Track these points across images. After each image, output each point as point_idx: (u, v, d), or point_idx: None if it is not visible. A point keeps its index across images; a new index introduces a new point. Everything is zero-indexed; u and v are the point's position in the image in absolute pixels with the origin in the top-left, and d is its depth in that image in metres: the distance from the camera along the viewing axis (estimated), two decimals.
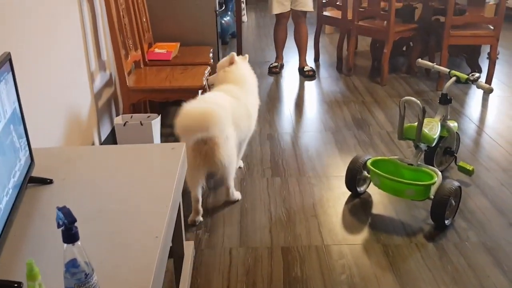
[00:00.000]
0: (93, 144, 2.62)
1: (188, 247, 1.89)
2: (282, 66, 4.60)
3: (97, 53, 2.75)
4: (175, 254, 1.78)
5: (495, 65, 3.90)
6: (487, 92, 2.34)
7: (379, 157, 2.38)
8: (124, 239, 1.13)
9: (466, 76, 2.42)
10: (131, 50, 2.84)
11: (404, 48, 4.78)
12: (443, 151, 2.64)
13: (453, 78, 2.47)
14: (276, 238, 2.14)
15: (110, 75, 2.97)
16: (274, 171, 2.73)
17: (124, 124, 2.58)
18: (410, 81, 4.19)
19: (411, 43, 4.49)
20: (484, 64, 4.37)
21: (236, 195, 2.43)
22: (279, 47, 4.52)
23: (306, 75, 4.40)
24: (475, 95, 3.90)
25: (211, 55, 3.29)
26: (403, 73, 4.41)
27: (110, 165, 1.51)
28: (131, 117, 2.66)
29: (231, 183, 2.35)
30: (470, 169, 2.54)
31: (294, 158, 2.88)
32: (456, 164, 2.61)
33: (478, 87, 2.36)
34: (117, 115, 2.94)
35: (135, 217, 1.22)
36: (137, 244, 1.10)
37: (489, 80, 3.92)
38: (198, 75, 2.86)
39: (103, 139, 2.80)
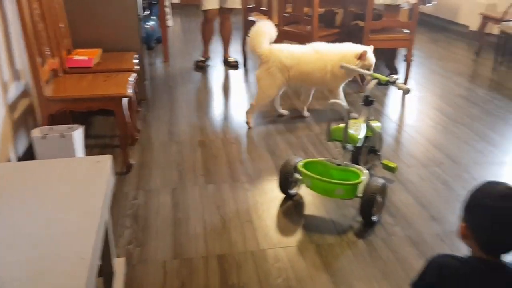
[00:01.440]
0: (9, 161, 2.44)
1: (119, 264, 1.81)
2: (208, 59, 4.89)
3: (10, 62, 2.57)
4: (105, 272, 1.69)
5: (410, 66, 4.14)
6: (405, 92, 2.47)
7: (309, 159, 2.43)
8: (47, 264, 1.05)
9: (386, 78, 2.53)
10: (48, 57, 2.68)
11: None
12: (368, 150, 2.75)
13: (375, 80, 2.58)
14: (212, 246, 2.11)
15: (26, 84, 2.79)
16: (206, 178, 2.69)
17: (43, 137, 2.43)
18: None
19: None
20: (401, 66, 4.65)
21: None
22: (206, 43, 4.80)
23: (230, 65, 4.79)
24: (394, 96, 4.11)
25: (136, 61, 3.20)
26: None
27: (29, 183, 1.41)
28: (51, 129, 2.51)
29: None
30: (393, 166, 2.67)
31: (227, 164, 2.86)
32: (380, 162, 2.73)
33: (398, 88, 2.49)
34: (35, 127, 2.76)
35: (59, 240, 1.14)
36: (62, 269, 1.03)
37: (406, 81, 4.16)
38: (123, 82, 2.76)
39: (20, 154, 2.62)
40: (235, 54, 4.98)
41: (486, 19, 5.16)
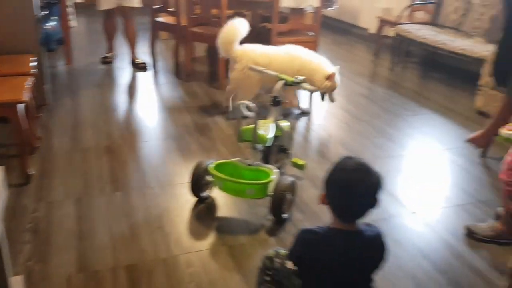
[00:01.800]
0: None
1: (16, 283, 1.67)
2: (113, 56, 4.85)
3: None
4: None
5: None
6: (312, 92, 2.56)
7: (220, 161, 2.43)
8: None
9: (292, 79, 2.61)
10: None
11: None
12: (278, 149, 2.81)
13: (282, 82, 2.64)
14: (120, 257, 2.03)
15: None
16: (114, 185, 2.59)
17: None
18: None
19: None
20: None
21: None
22: (110, 39, 4.75)
23: (139, 67, 4.68)
24: (304, 96, 4.25)
25: (33, 64, 2.99)
26: None
27: None
28: None
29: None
30: (302, 164, 2.75)
31: (136, 170, 2.78)
32: (290, 160, 2.80)
33: (303, 88, 2.57)
34: None
35: None
36: None
37: None
38: (18, 87, 2.57)
39: None
40: (144, 55, 4.85)
41: (382, 22, 5.52)
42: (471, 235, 2.26)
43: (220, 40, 3.42)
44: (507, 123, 2.21)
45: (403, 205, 2.54)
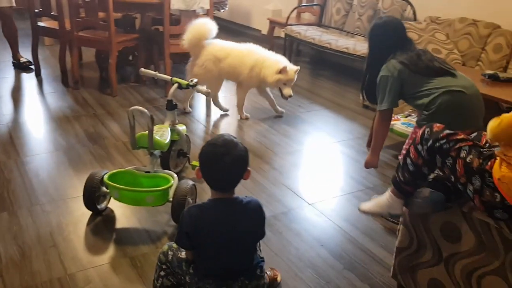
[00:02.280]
0: None
1: None
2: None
3: None
4: None
5: None
6: (206, 95, 2.57)
7: (116, 170, 2.33)
8: None
9: (187, 82, 2.59)
10: None
11: (131, 58, 4.84)
12: (177, 153, 2.78)
13: (175, 85, 2.62)
14: (10, 281, 1.86)
15: None
16: None
17: None
18: (141, 90, 4.26)
19: (135, 52, 4.58)
20: None
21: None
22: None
23: (23, 66, 4.58)
24: (200, 98, 4.24)
25: None
26: (132, 82, 4.46)
27: None
28: None
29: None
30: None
31: (23, 187, 2.57)
32: (189, 164, 2.78)
33: (197, 91, 2.57)
34: None
35: None
36: None
37: None
38: None
39: None
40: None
41: (273, 23, 5.71)
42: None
43: (189, 36, 3.51)
44: (385, 138, 2.49)
45: (301, 198, 2.65)
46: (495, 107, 2.66)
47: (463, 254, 1.62)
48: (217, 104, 3.87)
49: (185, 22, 4.00)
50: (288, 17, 5.21)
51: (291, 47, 5.52)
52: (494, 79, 2.88)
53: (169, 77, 2.67)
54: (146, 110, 2.25)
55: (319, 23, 5.40)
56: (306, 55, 5.91)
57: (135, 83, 4.42)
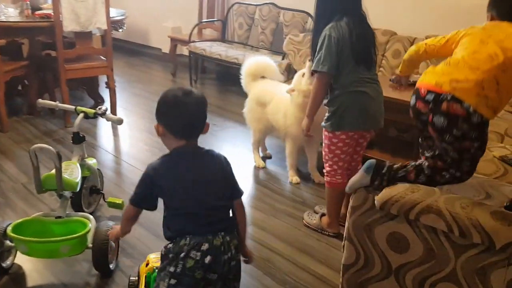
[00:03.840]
0: None
1: None
2: None
3: None
4: None
5: (115, 93, 4.03)
6: (118, 123, 2.33)
7: (21, 220, 2.01)
8: None
9: (94, 111, 2.34)
10: None
11: (20, 87, 4.36)
12: (89, 191, 2.49)
13: (81, 115, 2.35)
14: None
15: None
16: None
17: None
18: (36, 122, 3.83)
19: (26, 81, 4.13)
20: (105, 93, 4.49)
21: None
22: None
23: None
24: (105, 126, 3.92)
25: None
26: (25, 114, 4.00)
27: None
28: None
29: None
30: (120, 202, 2.49)
31: None
32: (105, 201, 2.51)
33: (108, 119, 2.32)
34: None
35: None
36: None
37: (113, 108, 4.03)
38: None
39: None
40: None
41: (174, 41, 5.52)
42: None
43: (243, 73, 3.24)
44: (321, 103, 2.30)
45: None
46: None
47: (413, 264, 1.60)
48: (255, 154, 3.31)
49: (81, 44, 3.69)
50: (190, 34, 5.07)
51: (196, 65, 5.37)
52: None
53: (73, 107, 2.39)
54: (50, 147, 1.96)
55: (222, 39, 5.33)
56: (212, 71, 5.81)
57: (28, 115, 3.97)
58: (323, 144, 2.32)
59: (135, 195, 1.55)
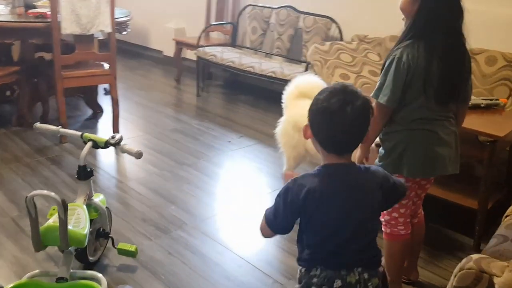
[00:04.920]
0: None
1: None
2: None
3: None
4: None
5: (118, 105, 3.55)
6: (136, 157, 1.86)
7: (12, 284, 1.55)
8: None
9: (105, 139, 1.89)
10: None
11: (9, 93, 3.87)
12: (96, 234, 2.03)
13: (89, 144, 1.89)
14: None
15: None
16: None
17: None
18: (26, 136, 3.34)
19: (15, 87, 3.64)
20: (104, 101, 4.02)
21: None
22: None
23: None
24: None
25: None
26: (14, 126, 3.51)
27: None
28: None
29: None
30: (133, 250, 2.04)
31: None
32: (114, 247, 2.05)
33: (123, 151, 1.86)
34: None
35: None
36: None
37: (115, 122, 3.55)
38: None
39: None
40: None
41: (180, 44, 5.05)
42: None
43: (294, 90, 2.73)
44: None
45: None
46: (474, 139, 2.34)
47: None
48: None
49: (81, 49, 3.21)
50: (199, 38, 4.61)
51: (203, 71, 4.91)
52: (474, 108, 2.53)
53: (79, 133, 1.93)
54: (53, 194, 1.51)
55: (232, 44, 4.88)
56: (219, 78, 5.34)
57: (18, 127, 3.48)
58: None
59: (276, 223, 1.27)
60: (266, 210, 1.30)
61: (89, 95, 3.88)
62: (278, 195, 1.26)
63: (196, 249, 2.24)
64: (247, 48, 4.73)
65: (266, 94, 4.71)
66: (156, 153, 3.27)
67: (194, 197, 2.75)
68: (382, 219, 1.90)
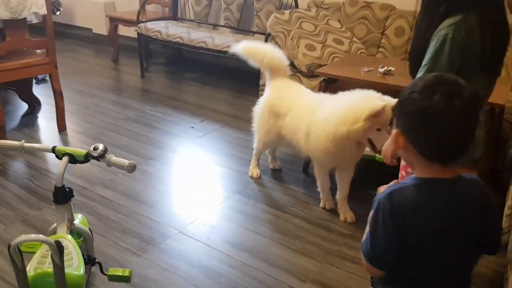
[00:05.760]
0: None
1: None
2: None
3: None
4: None
5: (62, 97, 3.10)
6: (129, 170, 1.54)
7: None
8: None
9: (85, 152, 1.54)
10: None
11: None
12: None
13: (65, 159, 1.54)
14: None
15: None
16: None
17: None
18: None
19: None
20: (38, 92, 3.55)
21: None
22: None
23: None
24: (52, 131, 3.03)
25: None
26: None
27: None
28: None
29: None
30: (126, 274, 1.74)
31: None
32: (103, 273, 1.74)
33: (111, 165, 1.54)
34: None
35: None
36: None
37: (61, 117, 3.10)
38: None
39: None
40: None
41: (115, 21, 4.54)
42: None
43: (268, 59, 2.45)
44: None
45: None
46: None
47: None
48: (253, 161, 2.66)
49: (13, 36, 2.71)
50: (139, 13, 4.16)
51: (146, 48, 4.47)
52: None
53: (49, 146, 1.57)
54: (43, 237, 1.19)
55: (174, 17, 4.48)
56: (160, 55, 4.92)
57: None
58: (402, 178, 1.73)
59: (376, 252, 1.03)
60: (362, 245, 1.08)
61: (23, 87, 3.36)
62: (371, 219, 1.04)
63: (192, 258, 1.99)
64: (191, 21, 4.36)
65: (214, 69, 4.43)
66: (115, 148, 2.90)
67: (170, 196, 2.48)
68: None
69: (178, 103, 3.74)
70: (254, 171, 2.63)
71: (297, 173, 2.70)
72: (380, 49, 3.38)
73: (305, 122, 2.22)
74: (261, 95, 2.63)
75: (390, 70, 2.52)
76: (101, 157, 1.52)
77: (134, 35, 4.65)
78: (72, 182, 2.53)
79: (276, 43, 3.39)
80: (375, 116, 1.92)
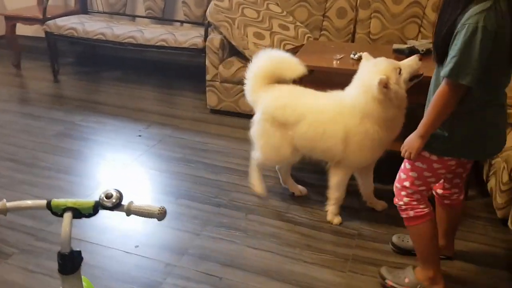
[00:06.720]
0: None
1: None
2: None
3: None
4: None
5: None
6: (158, 218, 1.20)
7: None
8: None
9: (93, 202, 1.18)
10: None
11: None
12: None
13: (68, 216, 1.17)
14: None
15: None
16: None
17: None
18: None
19: None
20: None
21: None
22: None
23: None
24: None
25: None
26: None
27: None
28: None
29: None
30: None
31: None
32: None
33: (137, 214, 1.19)
34: None
35: None
36: None
37: None
38: None
39: None
40: None
41: (12, 19, 3.83)
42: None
43: (255, 73, 2.13)
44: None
45: None
46: None
47: None
48: (256, 175, 2.23)
49: None
50: (45, 9, 3.56)
51: (55, 48, 3.86)
52: (411, 53, 2.37)
53: (43, 202, 1.18)
54: None
55: (83, 10, 3.93)
56: (68, 54, 4.31)
57: None
58: (407, 168, 1.63)
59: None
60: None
61: None
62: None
63: None
64: (105, 13, 3.87)
65: (134, 65, 4.01)
66: (59, 173, 2.45)
67: (164, 228, 2.12)
68: (400, 203, 1.65)
69: (108, 108, 3.29)
70: (258, 187, 2.22)
71: (276, 174, 2.50)
72: (323, 32, 3.28)
73: (339, 127, 1.96)
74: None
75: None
76: (116, 206, 1.18)
77: (36, 34, 4.03)
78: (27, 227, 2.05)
79: (221, 33, 3.11)
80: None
